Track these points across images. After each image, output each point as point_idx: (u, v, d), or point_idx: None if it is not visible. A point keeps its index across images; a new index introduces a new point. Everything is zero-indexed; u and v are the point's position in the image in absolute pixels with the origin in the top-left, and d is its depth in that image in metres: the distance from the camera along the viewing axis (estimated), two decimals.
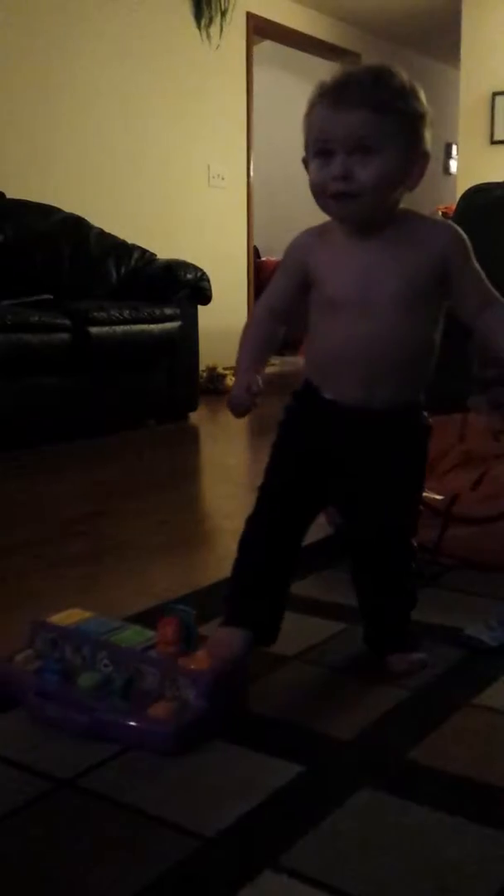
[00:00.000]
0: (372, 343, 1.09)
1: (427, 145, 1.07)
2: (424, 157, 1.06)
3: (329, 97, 1.03)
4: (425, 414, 1.19)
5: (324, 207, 1.07)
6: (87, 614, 1.21)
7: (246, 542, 1.19)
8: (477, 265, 1.11)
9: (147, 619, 1.27)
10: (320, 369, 1.16)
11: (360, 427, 1.14)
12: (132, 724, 1.02)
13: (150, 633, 1.13)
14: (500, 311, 1.11)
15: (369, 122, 1.01)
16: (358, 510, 1.20)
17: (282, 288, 1.16)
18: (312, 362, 1.17)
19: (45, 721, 1.06)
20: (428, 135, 1.06)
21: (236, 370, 1.16)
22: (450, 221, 1.13)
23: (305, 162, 1.07)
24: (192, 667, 1.05)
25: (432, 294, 1.10)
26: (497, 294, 1.12)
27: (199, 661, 1.07)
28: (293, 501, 1.17)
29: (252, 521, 1.19)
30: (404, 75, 1.06)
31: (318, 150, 1.04)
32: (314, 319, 1.15)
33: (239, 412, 1.11)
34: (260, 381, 1.10)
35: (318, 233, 1.12)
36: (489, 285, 1.12)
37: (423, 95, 1.07)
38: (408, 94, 1.04)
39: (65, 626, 1.17)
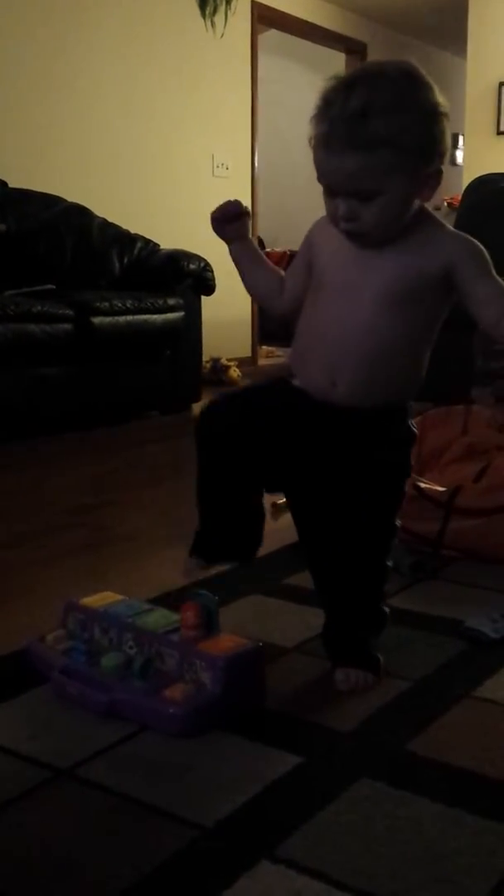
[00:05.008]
0: (345, 329, 1.06)
1: (440, 158, 0.99)
2: (435, 175, 1.00)
3: (319, 135, 0.97)
4: (411, 421, 1.13)
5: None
6: (119, 597, 1.23)
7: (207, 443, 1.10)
8: (497, 278, 1.05)
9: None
10: (298, 354, 1.13)
11: (322, 421, 1.09)
12: (147, 704, 1.04)
13: (175, 617, 1.15)
14: None
15: (361, 166, 0.96)
16: (316, 522, 1.14)
17: (294, 266, 1.17)
18: (294, 347, 1.15)
19: (67, 698, 1.09)
20: (443, 138, 0.99)
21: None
22: (467, 235, 1.07)
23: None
24: (209, 651, 1.06)
25: (423, 300, 1.05)
26: None
27: (219, 645, 1.08)
28: (238, 455, 1.08)
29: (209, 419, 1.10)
30: (400, 77, 0.97)
31: (323, 185, 1.01)
32: (305, 304, 1.12)
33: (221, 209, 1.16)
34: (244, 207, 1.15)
35: (329, 219, 1.08)
36: None
37: (431, 93, 0.98)
38: (406, 108, 0.95)
39: (94, 608, 1.19)
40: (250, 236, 1.19)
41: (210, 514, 1.14)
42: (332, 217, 1.02)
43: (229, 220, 1.16)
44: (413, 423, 1.13)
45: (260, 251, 1.21)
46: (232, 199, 1.17)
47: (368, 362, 1.06)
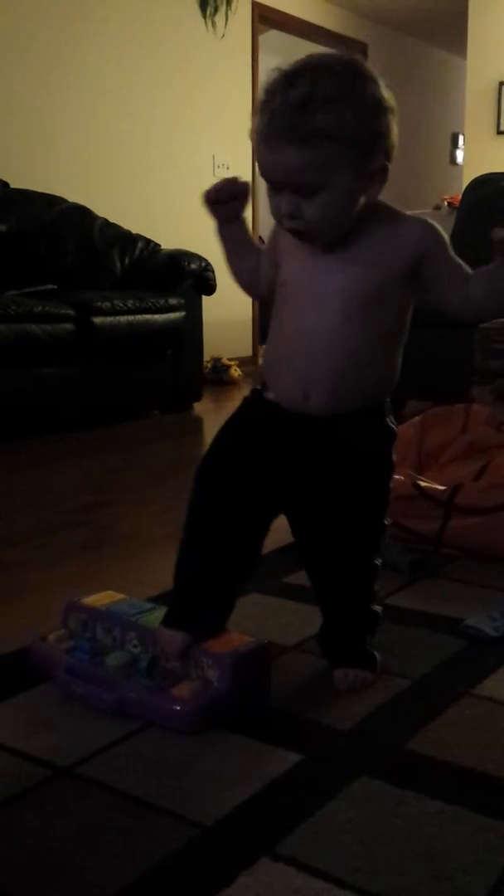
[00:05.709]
0: (314, 342, 1.03)
1: (385, 154, 0.97)
2: (381, 171, 0.97)
3: (259, 128, 0.95)
4: (389, 418, 1.11)
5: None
6: (120, 596, 1.23)
7: (189, 534, 1.11)
8: (456, 257, 1.05)
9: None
10: (269, 365, 1.10)
11: (300, 433, 1.07)
12: (155, 702, 1.04)
13: None
14: (479, 273, 1.03)
15: (301, 161, 0.93)
16: (307, 527, 1.14)
17: (264, 259, 1.13)
18: (265, 358, 1.12)
19: (73, 697, 1.09)
20: (389, 134, 0.96)
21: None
22: (423, 217, 1.06)
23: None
24: (215, 648, 1.07)
25: (391, 299, 1.04)
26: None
27: (224, 643, 1.08)
28: (231, 495, 1.09)
29: (193, 511, 1.11)
30: (343, 70, 0.94)
31: (266, 181, 0.99)
32: (274, 314, 1.09)
33: (213, 190, 1.08)
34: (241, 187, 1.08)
35: (274, 217, 1.05)
36: (467, 267, 1.05)
37: (375, 87, 0.95)
38: (348, 101, 0.92)
39: (96, 608, 1.19)
40: (243, 217, 1.12)
41: (202, 565, 1.11)
42: (276, 215, 1.00)
43: (221, 202, 1.09)
44: (392, 420, 1.12)
45: (248, 234, 1.15)
46: (232, 177, 1.09)
47: (340, 373, 1.04)
